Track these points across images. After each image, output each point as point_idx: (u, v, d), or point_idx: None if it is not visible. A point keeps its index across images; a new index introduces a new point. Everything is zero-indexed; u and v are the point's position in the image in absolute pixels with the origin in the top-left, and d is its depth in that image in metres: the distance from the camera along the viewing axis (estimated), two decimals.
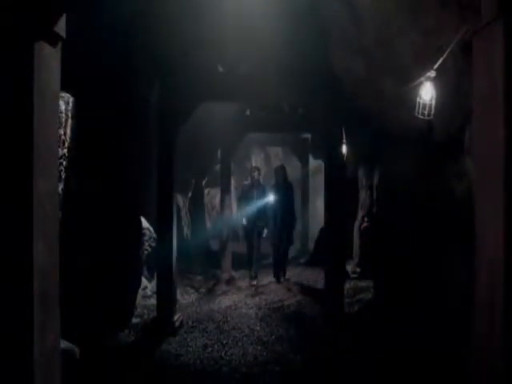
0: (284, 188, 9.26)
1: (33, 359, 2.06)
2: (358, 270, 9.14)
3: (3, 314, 2.05)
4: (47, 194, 2.18)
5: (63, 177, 3.95)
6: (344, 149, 7.28)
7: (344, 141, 7.09)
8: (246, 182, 9.97)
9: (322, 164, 10.36)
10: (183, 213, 9.48)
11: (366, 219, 9.02)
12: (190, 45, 5.68)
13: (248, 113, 9.59)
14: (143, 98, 6.32)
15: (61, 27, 2.25)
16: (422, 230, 5.32)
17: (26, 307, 2.06)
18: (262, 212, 9.20)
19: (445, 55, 3.11)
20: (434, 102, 3.19)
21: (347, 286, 7.73)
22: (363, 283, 8.45)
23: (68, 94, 4.01)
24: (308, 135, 11.84)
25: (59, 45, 2.29)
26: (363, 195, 9.10)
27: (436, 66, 3.16)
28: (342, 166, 6.93)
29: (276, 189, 9.30)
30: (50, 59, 2.18)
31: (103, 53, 5.07)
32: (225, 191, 11.01)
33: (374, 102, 5.37)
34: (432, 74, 3.19)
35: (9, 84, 2.06)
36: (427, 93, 3.24)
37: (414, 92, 4.69)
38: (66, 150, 3.96)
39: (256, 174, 9.60)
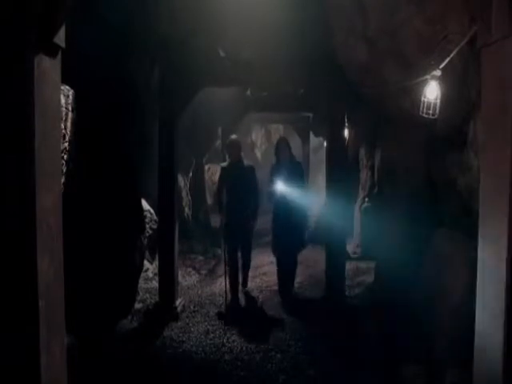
0: (290, 169, 6.50)
1: (40, 373, 2.08)
2: (358, 250, 9.21)
3: (9, 330, 2.07)
4: (51, 209, 2.17)
5: (64, 171, 3.92)
6: (346, 132, 7.25)
7: (346, 124, 7.05)
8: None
9: (323, 141, 10.34)
10: (184, 193, 9.45)
11: (366, 200, 9.03)
12: (191, 29, 5.58)
13: (249, 93, 9.49)
14: (144, 82, 6.24)
15: (60, 37, 2.20)
16: (420, 215, 5.33)
17: (31, 323, 2.07)
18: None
19: (451, 55, 3.05)
20: (438, 102, 3.15)
21: (347, 266, 7.75)
22: (364, 264, 8.53)
23: (67, 87, 3.94)
24: (309, 114, 11.76)
25: (59, 55, 2.24)
26: (364, 176, 9.09)
27: (442, 66, 3.10)
28: (344, 149, 6.87)
29: (278, 171, 6.58)
30: (49, 72, 2.14)
31: (102, 36, 4.98)
32: None
33: (376, 89, 5.30)
34: (437, 72, 3.14)
35: (9, 100, 2.03)
36: (432, 92, 3.19)
37: (416, 77, 4.68)
38: (66, 144, 3.92)
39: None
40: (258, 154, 16.35)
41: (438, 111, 3.19)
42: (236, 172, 6.42)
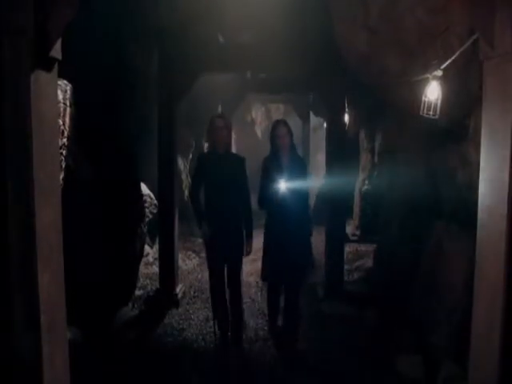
0: (290, 165, 4.60)
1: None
2: (357, 232, 9.26)
3: (13, 344, 2.10)
4: (51, 224, 2.18)
5: (63, 166, 3.91)
6: (346, 117, 7.22)
7: (346, 107, 7.02)
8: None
9: (323, 121, 10.29)
10: (184, 175, 9.44)
11: (366, 182, 9.04)
12: (190, 15, 5.50)
13: (249, 75, 9.39)
14: (143, 67, 6.18)
15: (57, 50, 2.17)
16: (420, 203, 5.34)
17: (34, 338, 2.10)
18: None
19: (454, 57, 3.01)
20: (439, 102, 3.12)
21: (347, 249, 7.82)
22: (363, 247, 8.59)
23: (65, 81, 3.90)
24: (310, 95, 11.70)
25: (55, 67, 2.22)
26: (364, 158, 9.08)
27: (443, 66, 3.06)
28: (344, 131, 6.84)
29: (273, 165, 4.63)
30: (46, 86, 2.12)
31: (102, 23, 4.93)
32: None
33: (377, 78, 5.25)
34: (439, 72, 3.10)
35: (6, 117, 2.02)
36: (433, 92, 3.16)
37: (418, 69, 4.63)
38: (65, 140, 3.90)
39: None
40: (258, 131, 16.28)
41: (438, 112, 3.16)
42: (220, 166, 4.57)
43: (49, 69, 2.14)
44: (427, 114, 3.23)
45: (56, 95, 2.23)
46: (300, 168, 4.64)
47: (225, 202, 4.56)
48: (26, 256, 2.07)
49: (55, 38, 2.09)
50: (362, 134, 9.12)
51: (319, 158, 12.61)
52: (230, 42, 5.83)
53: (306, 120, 12.83)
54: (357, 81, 6.17)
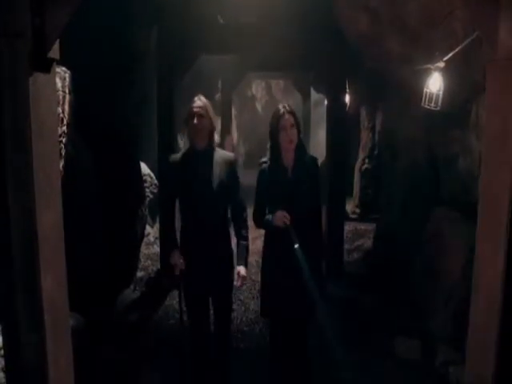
0: (298, 173, 3.24)
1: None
2: (357, 210, 9.29)
3: (18, 346, 2.14)
4: (52, 226, 2.18)
5: (63, 154, 3.90)
6: (347, 93, 7.17)
7: (347, 85, 6.96)
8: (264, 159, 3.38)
9: (324, 97, 10.21)
10: None
11: (366, 161, 9.03)
12: None
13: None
14: (143, 46, 6.11)
15: (55, 50, 2.15)
16: (420, 184, 5.35)
17: (38, 338, 2.13)
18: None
19: (457, 50, 2.97)
20: (441, 94, 3.10)
21: (346, 228, 7.82)
22: (362, 225, 8.62)
23: (64, 68, 3.86)
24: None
25: (54, 67, 2.19)
26: (365, 137, 9.05)
27: (446, 58, 3.03)
28: (344, 110, 6.81)
29: (275, 175, 3.27)
30: (44, 88, 2.10)
31: (97, 5, 4.84)
32: (226, 120, 11.36)
33: (377, 59, 5.20)
34: (441, 64, 3.07)
35: (5, 119, 2.01)
36: (435, 83, 3.13)
37: (420, 51, 4.58)
38: (65, 127, 3.88)
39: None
40: (259, 107, 16.17)
41: (440, 103, 3.14)
42: (200, 169, 3.28)
43: (47, 70, 2.11)
44: (428, 105, 3.20)
45: (55, 95, 2.21)
46: (311, 176, 3.25)
47: (207, 220, 3.24)
48: (29, 258, 2.08)
49: (53, 40, 2.06)
50: (363, 112, 9.07)
51: (320, 134, 12.57)
52: (229, 23, 5.74)
53: (306, 96, 12.73)
54: (358, 60, 6.12)
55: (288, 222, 3.07)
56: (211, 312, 3.45)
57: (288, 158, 3.23)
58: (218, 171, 3.26)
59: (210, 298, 3.42)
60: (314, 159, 3.32)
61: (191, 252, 3.26)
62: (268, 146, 3.32)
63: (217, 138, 2.86)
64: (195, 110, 3.24)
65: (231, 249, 3.39)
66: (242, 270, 3.29)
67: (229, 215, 3.43)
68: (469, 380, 2.44)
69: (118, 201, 5.08)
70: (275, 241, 3.26)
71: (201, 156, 3.28)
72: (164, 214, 3.49)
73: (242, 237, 3.37)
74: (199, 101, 3.29)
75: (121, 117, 5.46)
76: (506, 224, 2.15)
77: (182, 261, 3.22)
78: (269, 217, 3.18)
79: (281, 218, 3.07)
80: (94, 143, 4.79)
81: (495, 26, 1.95)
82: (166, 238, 3.66)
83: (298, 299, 3.23)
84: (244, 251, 3.36)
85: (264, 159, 3.31)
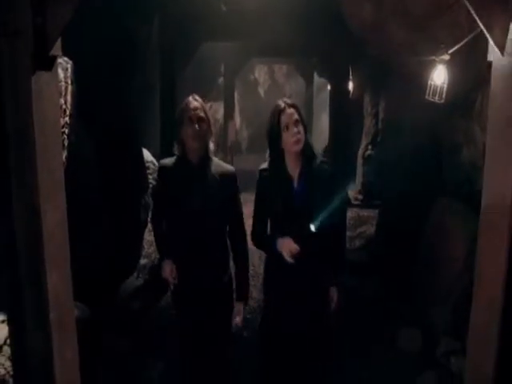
0: (309, 182, 2.62)
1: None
2: (360, 197, 9.28)
3: (25, 342, 2.17)
4: (57, 224, 2.19)
5: (66, 145, 3.90)
6: (350, 79, 7.14)
7: (350, 72, 6.94)
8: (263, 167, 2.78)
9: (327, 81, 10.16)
10: None
11: (369, 147, 9.00)
12: None
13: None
14: (145, 33, 6.07)
15: (57, 47, 2.13)
16: (423, 171, 5.34)
17: (44, 335, 2.16)
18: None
19: (462, 43, 2.94)
20: (445, 86, 3.07)
21: (349, 214, 7.82)
22: (365, 212, 8.60)
23: (66, 58, 3.83)
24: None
25: (56, 63, 2.18)
26: (368, 123, 9.00)
27: (451, 51, 3.00)
28: (347, 96, 6.80)
29: (278, 187, 2.66)
30: (47, 86, 2.09)
31: None
32: (228, 105, 11.38)
33: (380, 47, 5.15)
34: (446, 57, 3.04)
35: (8, 118, 2.01)
36: (439, 75, 3.11)
37: (424, 41, 4.53)
38: (67, 118, 3.87)
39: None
40: (261, 91, 16.09)
41: (444, 96, 3.12)
42: (193, 184, 2.78)
43: (49, 68, 2.10)
44: (433, 98, 3.18)
45: (57, 93, 2.20)
46: (324, 189, 2.60)
47: (200, 246, 2.80)
48: (34, 255, 2.10)
49: (55, 38, 2.04)
50: (367, 99, 9.01)
51: (323, 119, 12.55)
52: (232, 10, 5.69)
53: (309, 81, 12.67)
54: (361, 47, 6.07)
55: (297, 255, 2.49)
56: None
57: (293, 164, 2.63)
58: (214, 189, 2.74)
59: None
60: (327, 164, 2.70)
61: (182, 279, 2.91)
62: (267, 154, 2.73)
63: (212, 146, 2.48)
64: (194, 112, 2.73)
65: (231, 279, 2.97)
66: (240, 310, 2.91)
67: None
68: (469, 376, 2.46)
69: (120, 189, 5.08)
70: (277, 265, 2.70)
71: (195, 171, 2.77)
72: (156, 227, 3.11)
73: (241, 268, 2.92)
74: (196, 101, 2.79)
75: (123, 105, 5.44)
76: (509, 216, 2.15)
77: (174, 275, 2.91)
78: (272, 238, 2.64)
79: (287, 248, 2.51)
80: (97, 132, 4.79)
81: (503, 26, 1.92)
82: (157, 248, 3.16)
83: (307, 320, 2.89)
84: (243, 285, 2.95)
85: (263, 166, 2.73)
